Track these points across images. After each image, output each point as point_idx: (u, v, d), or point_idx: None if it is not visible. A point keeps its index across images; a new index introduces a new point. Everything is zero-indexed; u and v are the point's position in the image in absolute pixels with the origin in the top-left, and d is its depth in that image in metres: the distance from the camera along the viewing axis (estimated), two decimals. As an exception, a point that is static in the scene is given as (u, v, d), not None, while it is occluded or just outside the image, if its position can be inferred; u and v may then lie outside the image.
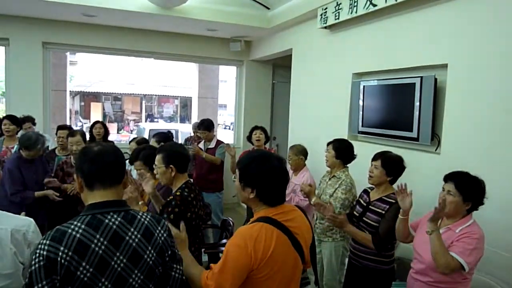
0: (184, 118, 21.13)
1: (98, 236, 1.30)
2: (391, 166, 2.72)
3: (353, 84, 4.13)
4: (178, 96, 21.33)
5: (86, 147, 1.46)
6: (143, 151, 2.98)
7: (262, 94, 7.25)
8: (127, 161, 3.56)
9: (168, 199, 2.36)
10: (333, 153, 3.23)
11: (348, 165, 3.31)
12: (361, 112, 3.96)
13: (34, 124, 5.02)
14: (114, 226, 1.34)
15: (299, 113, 5.39)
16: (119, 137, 15.29)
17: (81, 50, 6.97)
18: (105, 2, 4.93)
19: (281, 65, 6.95)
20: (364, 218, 2.76)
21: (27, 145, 3.53)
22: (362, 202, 2.86)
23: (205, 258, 3.45)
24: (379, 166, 2.72)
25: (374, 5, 3.61)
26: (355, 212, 2.89)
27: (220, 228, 4.34)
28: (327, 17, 4.36)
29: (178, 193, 2.36)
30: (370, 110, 3.87)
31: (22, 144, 3.56)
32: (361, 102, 3.95)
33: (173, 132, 7.51)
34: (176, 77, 19.84)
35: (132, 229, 1.37)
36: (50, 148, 4.61)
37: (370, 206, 2.76)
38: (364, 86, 3.92)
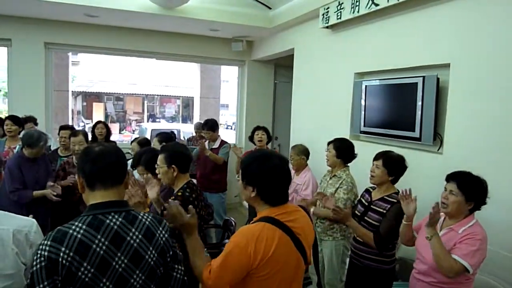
0: (186, 118, 21.15)
1: (99, 237, 1.30)
2: (393, 165, 2.72)
3: (355, 84, 4.12)
4: (180, 96, 21.36)
5: (88, 147, 1.46)
6: (145, 155, 2.98)
7: (264, 94, 7.24)
8: (129, 161, 3.58)
9: (170, 200, 2.36)
10: (333, 153, 3.24)
11: (349, 164, 3.30)
12: (363, 112, 3.95)
13: (36, 124, 5.03)
14: (115, 227, 1.34)
15: (301, 113, 5.38)
16: (121, 137, 15.30)
17: (83, 51, 6.98)
18: (106, 2, 4.94)
19: (283, 65, 6.94)
20: (365, 218, 2.76)
21: (30, 143, 3.54)
22: (363, 201, 2.86)
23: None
24: (380, 166, 2.72)
25: (376, 5, 3.60)
26: (356, 212, 2.89)
27: (222, 228, 4.34)
28: (329, 16, 4.35)
29: (179, 194, 2.36)
30: (372, 110, 3.86)
31: (25, 142, 3.57)
32: (363, 102, 3.95)
33: (175, 132, 7.50)
34: (178, 77, 19.86)
35: (133, 230, 1.37)
36: (52, 148, 4.62)
37: (371, 206, 2.76)
38: (366, 86, 3.91)
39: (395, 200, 2.64)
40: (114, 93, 20.37)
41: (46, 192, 3.56)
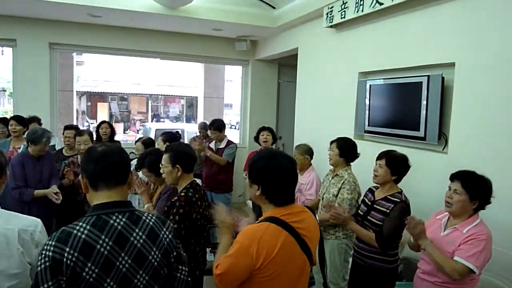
0: (190, 118, 21.17)
1: (103, 237, 1.30)
2: (396, 165, 2.70)
3: (359, 83, 4.11)
4: (184, 96, 21.38)
5: (91, 148, 1.47)
6: (148, 157, 2.98)
7: (268, 94, 7.24)
8: (133, 161, 3.59)
9: (173, 200, 2.37)
10: (336, 152, 3.23)
11: (352, 164, 3.29)
12: (367, 111, 3.94)
13: (40, 124, 5.04)
14: (119, 227, 1.34)
15: (305, 112, 5.38)
16: (126, 137, 15.34)
17: (87, 51, 7.00)
18: (110, 2, 4.95)
19: (287, 64, 6.94)
20: (368, 217, 2.76)
21: (33, 139, 3.57)
22: (367, 201, 2.85)
23: (210, 257, 3.45)
24: (383, 165, 2.71)
25: (381, 4, 3.59)
26: (359, 211, 2.89)
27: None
28: (333, 16, 4.34)
29: (182, 194, 2.36)
30: (376, 109, 3.84)
31: (29, 138, 3.60)
32: (367, 101, 3.93)
33: (180, 131, 7.50)
34: (182, 77, 19.88)
35: (137, 230, 1.37)
36: (57, 148, 4.64)
37: (374, 205, 2.75)
38: (370, 85, 3.90)
39: (398, 200, 2.63)
40: (119, 93, 20.41)
41: (48, 192, 3.56)
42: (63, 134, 4.34)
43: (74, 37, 6.07)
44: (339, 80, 4.50)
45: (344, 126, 4.28)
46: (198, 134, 6.22)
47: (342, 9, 4.15)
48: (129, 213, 1.38)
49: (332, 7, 4.33)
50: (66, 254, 1.25)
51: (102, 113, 19.31)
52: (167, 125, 16.37)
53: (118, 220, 1.35)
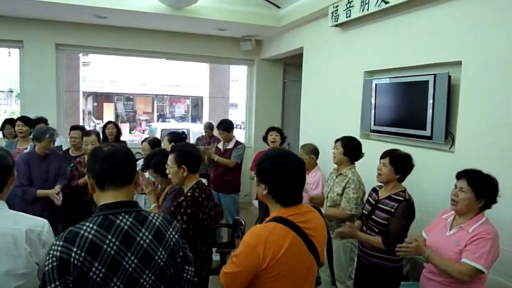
0: (196, 118, 21.21)
1: (110, 237, 1.31)
2: (400, 163, 2.70)
3: (365, 82, 4.09)
4: (189, 96, 21.42)
5: (97, 148, 1.48)
6: (154, 157, 3.00)
7: (273, 93, 7.23)
8: (140, 162, 3.61)
9: (179, 200, 2.37)
10: (341, 150, 3.22)
11: (358, 163, 3.28)
12: (373, 111, 3.92)
13: (47, 125, 5.07)
14: (126, 227, 1.35)
15: (310, 112, 5.36)
16: (131, 137, 15.41)
17: (93, 51, 7.04)
18: (116, 3, 4.97)
19: (292, 63, 6.92)
20: (373, 216, 2.75)
21: (37, 136, 3.64)
22: (371, 200, 2.86)
23: (216, 257, 3.46)
24: (387, 164, 2.71)
25: (386, 2, 3.57)
26: (364, 211, 2.89)
27: (232, 227, 4.35)
28: (338, 15, 4.32)
29: (189, 194, 2.37)
30: (382, 108, 3.83)
31: (33, 136, 3.67)
32: (373, 100, 3.91)
33: (185, 131, 7.52)
34: (187, 77, 19.92)
35: (143, 230, 1.38)
36: (64, 149, 4.67)
37: (378, 204, 2.75)
38: (376, 84, 3.88)
39: (402, 198, 2.63)
40: (124, 93, 20.50)
41: (50, 192, 3.58)
42: (69, 134, 4.36)
43: (80, 38, 6.10)
44: (344, 79, 4.49)
45: (350, 125, 4.27)
46: (204, 134, 6.22)
47: (347, 8, 4.14)
48: (135, 213, 1.39)
49: (337, 6, 4.32)
50: (73, 254, 1.25)
51: (108, 114, 19.40)
52: (173, 125, 16.41)
53: (124, 220, 1.35)
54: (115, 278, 1.30)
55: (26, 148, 4.11)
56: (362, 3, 3.89)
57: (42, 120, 5.06)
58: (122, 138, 5.46)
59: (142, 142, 4.37)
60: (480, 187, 2.13)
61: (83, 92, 15.17)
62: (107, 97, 20.43)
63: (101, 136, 4.58)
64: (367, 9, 3.83)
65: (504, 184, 2.16)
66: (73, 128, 4.41)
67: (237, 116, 22.27)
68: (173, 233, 1.45)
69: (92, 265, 1.27)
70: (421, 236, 2.41)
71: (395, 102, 3.69)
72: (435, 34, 3.24)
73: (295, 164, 1.69)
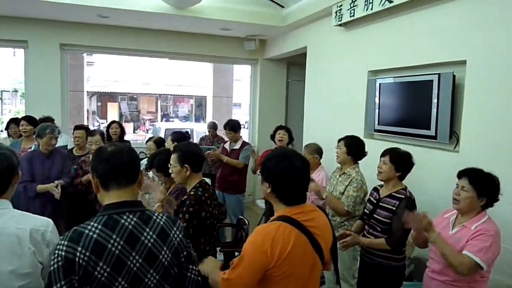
0: (199, 117, 21.23)
1: (114, 236, 1.31)
2: (400, 161, 2.72)
3: (369, 81, 4.08)
4: (193, 96, 21.45)
5: (101, 148, 1.48)
6: (158, 157, 3.00)
7: (277, 93, 7.23)
8: (143, 161, 3.61)
9: (183, 199, 2.38)
10: (344, 150, 3.23)
11: (362, 163, 3.28)
12: (377, 110, 3.91)
13: (54, 124, 5.08)
14: (130, 226, 1.35)
15: (314, 111, 5.36)
16: (135, 137, 15.45)
17: (97, 51, 7.06)
18: (120, 3, 4.99)
19: (296, 63, 6.91)
20: (374, 215, 2.77)
21: (38, 132, 3.70)
22: (372, 199, 2.87)
23: (220, 257, 3.46)
24: (387, 162, 2.73)
25: (390, 2, 3.56)
26: (365, 210, 2.90)
27: (236, 227, 4.35)
28: (342, 14, 4.31)
29: (192, 193, 2.37)
30: (386, 108, 3.82)
31: (36, 133, 3.74)
32: (377, 100, 3.91)
33: (189, 131, 7.53)
34: (191, 77, 19.94)
35: (147, 229, 1.38)
36: (68, 148, 4.68)
37: (380, 203, 2.76)
38: (380, 83, 3.87)
39: (403, 196, 2.64)
40: (128, 93, 20.56)
41: (49, 186, 3.58)
42: (73, 134, 4.38)
43: (85, 38, 6.13)
44: (348, 79, 4.48)
45: (354, 125, 4.26)
46: (207, 133, 6.23)
47: (351, 8, 4.13)
48: (140, 213, 1.39)
49: (341, 5, 4.31)
50: (78, 254, 1.26)
51: (112, 113, 19.46)
52: (177, 124, 16.44)
53: (129, 220, 1.36)
54: (120, 278, 1.30)
55: (30, 148, 4.14)
56: (366, 3, 3.88)
57: (49, 119, 5.06)
58: (126, 137, 5.47)
59: (147, 141, 4.37)
60: (481, 186, 2.14)
61: (87, 91, 15.20)
62: (111, 96, 20.50)
63: (105, 135, 4.59)
64: (371, 9, 3.82)
65: (509, 183, 2.15)
66: (77, 127, 4.41)
67: (240, 115, 22.27)
68: (177, 232, 1.46)
69: (97, 264, 1.27)
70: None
71: (399, 102, 3.68)
72: (440, 34, 3.23)
73: (299, 164, 1.70)
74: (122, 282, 1.31)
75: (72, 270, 1.26)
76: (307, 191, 1.76)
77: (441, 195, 2.96)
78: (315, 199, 3.62)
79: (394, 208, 2.64)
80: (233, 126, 4.94)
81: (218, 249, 3.30)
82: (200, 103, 21.59)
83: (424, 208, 2.67)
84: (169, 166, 2.53)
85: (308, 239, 1.64)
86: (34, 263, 1.53)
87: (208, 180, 2.87)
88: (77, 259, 1.26)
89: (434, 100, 3.18)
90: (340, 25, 4.45)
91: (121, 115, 20.03)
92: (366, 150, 3.26)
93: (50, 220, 1.64)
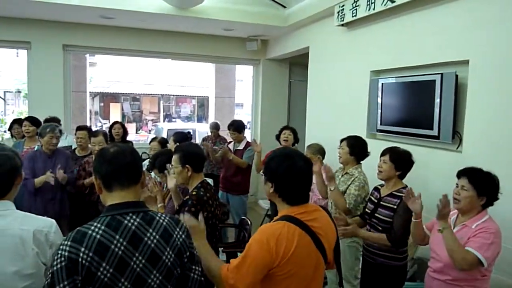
0: (201, 118, 21.24)
1: (117, 237, 1.31)
2: (399, 160, 2.73)
3: (371, 81, 4.08)
4: (195, 96, 21.46)
5: (103, 149, 1.49)
6: (159, 157, 3.01)
7: (279, 93, 7.22)
8: (145, 162, 3.62)
9: (185, 199, 2.38)
10: (347, 150, 3.22)
11: (364, 163, 3.27)
12: (379, 110, 3.90)
13: (60, 125, 5.09)
14: (133, 227, 1.35)
15: (316, 111, 5.35)
16: (138, 137, 15.47)
17: (100, 52, 7.08)
18: (122, 4, 5.00)
19: (298, 63, 6.91)
20: (376, 214, 2.77)
21: (40, 132, 3.75)
22: (373, 199, 2.87)
23: (223, 257, 3.46)
24: (387, 161, 2.75)
25: (393, 1, 3.55)
26: (367, 209, 2.90)
27: (238, 227, 4.36)
28: (344, 14, 4.31)
29: (194, 193, 2.37)
30: (389, 108, 3.81)
31: (38, 133, 3.78)
32: (379, 100, 3.90)
33: (191, 131, 7.54)
34: (193, 77, 19.96)
35: (150, 230, 1.38)
36: (72, 148, 4.70)
37: (381, 202, 2.77)
38: (382, 83, 3.86)
39: (403, 195, 2.63)
40: (131, 93, 20.58)
41: (46, 176, 3.58)
42: (75, 134, 4.39)
43: (87, 39, 6.15)
44: (350, 79, 4.47)
45: (356, 125, 4.25)
46: (209, 134, 6.23)
47: (353, 8, 4.12)
48: (143, 213, 1.40)
49: (343, 5, 4.30)
50: (81, 254, 1.26)
51: (115, 114, 19.49)
52: (179, 125, 16.46)
53: (132, 221, 1.36)
54: (123, 278, 1.31)
55: (33, 148, 4.15)
56: (368, 3, 3.88)
57: (55, 120, 5.07)
58: (129, 138, 5.48)
59: (151, 142, 4.38)
60: (481, 185, 2.14)
61: (89, 92, 15.25)
62: (114, 97, 20.53)
63: (108, 136, 4.60)
64: (373, 9, 3.82)
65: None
66: (79, 128, 4.43)
67: (242, 116, 22.27)
68: (180, 233, 1.46)
69: (100, 265, 1.27)
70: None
71: (402, 102, 3.67)
72: (442, 33, 3.22)
73: (302, 164, 1.70)
74: (125, 282, 1.31)
75: (75, 270, 1.26)
76: (310, 191, 1.76)
77: (444, 195, 2.96)
78: (318, 199, 3.63)
79: (395, 207, 2.65)
80: (237, 127, 4.94)
81: (220, 249, 3.30)
82: (202, 103, 21.60)
83: (427, 209, 2.67)
84: (170, 166, 2.53)
85: (311, 239, 1.65)
86: (38, 264, 1.54)
87: (210, 181, 2.87)
88: (80, 259, 1.26)
89: (437, 100, 3.17)
90: (342, 25, 4.44)
91: (123, 116, 20.07)
92: (368, 150, 3.25)
93: (53, 221, 1.65)
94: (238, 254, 1.70)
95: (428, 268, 2.38)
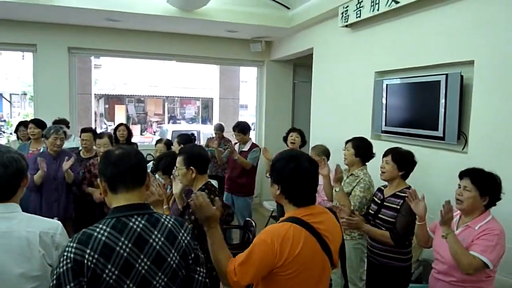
0: (206, 119, 21.29)
1: (122, 239, 1.32)
2: (402, 160, 2.74)
3: (376, 82, 4.06)
4: (199, 98, 21.53)
5: (108, 151, 1.49)
6: (163, 159, 3.02)
7: (283, 94, 7.22)
8: (150, 164, 3.63)
9: (189, 200, 2.38)
10: (352, 151, 3.21)
11: (369, 164, 3.26)
12: (384, 111, 3.89)
13: (68, 127, 5.10)
14: (138, 229, 1.36)
15: (321, 112, 5.34)
16: (142, 139, 15.53)
17: (105, 54, 7.11)
18: (127, 7, 5.02)
19: (302, 64, 6.90)
20: (379, 215, 2.77)
21: (45, 133, 3.82)
22: (376, 200, 2.87)
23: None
24: (390, 161, 2.75)
25: (397, 2, 3.54)
26: (370, 210, 2.90)
27: (243, 229, 4.36)
28: (348, 15, 4.30)
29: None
30: (393, 109, 3.80)
31: (43, 134, 3.85)
32: (384, 101, 3.89)
33: (195, 133, 7.55)
34: (198, 79, 20.02)
35: (155, 232, 1.39)
36: (78, 150, 4.72)
37: (384, 203, 2.77)
38: (387, 84, 3.85)
39: (407, 195, 2.62)
40: (135, 95, 20.68)
41: (41, 169, 3.57)
42: (80, 137, 4.41)
43: (92, 41, 6.18)
44: (355, 80, 4.46)
45: (361, 126, 4.24)
46: (214, 135, 6.24)
47: (357, 8, 4.12)
48: (148, 216, 1.40)
49: (347, 6, 4.30)
50: (87, 256, 1.27)
51: (120, 115, 19.59)
52: (183, 126, 16.49)
53: (137, 223, 1.37)
54: (128, 280, 1.31)
55: (39, 150, 4.18)
56: (372, 3, 3.87)
57: (64, 122, 5.10)
58: (133, 139, 5.50)
59: (156, 143, 4.39)
60: (483, 185, 2.14)
61: (95, 94, 15.33)
62: (119, 99, 20.63)
63: (113, 138, 4.62)
64: (377, 9, 3.81)
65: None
66: (84, 130, 4.45)
67: (247, 117, 22.27)
68: (185, 234, 1.46)
69: (105, 267, 1.28)
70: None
71: (407, 103, 3.66)
72: (447, 34, 3.20)
73: (308, 165, 1.71)
74: (130, 284, 1.31)
75: (81, 272, 1.26)
76: (316, 193, 1.76)
77: (449, 196, 2.93)
78: (323, 200, 3.62)
79: (399, 207, 2.66)
80: (243, 128, 4.94)
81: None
82: (207, 105, 21.65)
83: (432, 210, 2.66)
84: (174, 168, 2.54)
85: (317, 240, 1.65)
86: (44, 265, 1.55)
87: (214, 182, 2.87)
88: (85, 261, 1.27)
89: (442, 101, 3.16)
90: (346, 26, 4.44)
91: (128, 118, 20.16)
92: (373, 151, 3.24)
93: (59, 222, 1.66)
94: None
95: (432, 269, 2.37)
